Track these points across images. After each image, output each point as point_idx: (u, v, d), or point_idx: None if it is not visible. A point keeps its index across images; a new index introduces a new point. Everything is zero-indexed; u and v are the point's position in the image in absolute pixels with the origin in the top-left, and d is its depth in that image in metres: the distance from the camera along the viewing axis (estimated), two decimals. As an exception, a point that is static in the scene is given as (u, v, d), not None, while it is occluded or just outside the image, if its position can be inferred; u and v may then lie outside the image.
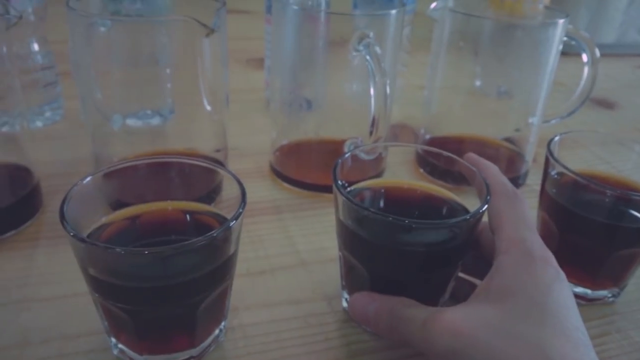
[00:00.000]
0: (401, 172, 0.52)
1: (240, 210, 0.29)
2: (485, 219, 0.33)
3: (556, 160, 0.38)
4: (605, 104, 0.79)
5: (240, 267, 0.40)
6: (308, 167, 0.51)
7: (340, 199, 0.32)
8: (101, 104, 0.46)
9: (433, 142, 0.56)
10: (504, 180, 0.34)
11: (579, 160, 0.42)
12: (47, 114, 0.60)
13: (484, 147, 0.55)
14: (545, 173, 0.39)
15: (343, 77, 0.48)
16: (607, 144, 0.44)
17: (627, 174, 0.41)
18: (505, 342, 0.25)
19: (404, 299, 0.30)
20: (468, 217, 0.31)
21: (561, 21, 0.47)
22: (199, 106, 0.46)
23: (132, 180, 0.34)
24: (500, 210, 0.32)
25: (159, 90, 0.48)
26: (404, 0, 0.57)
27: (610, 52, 0.99)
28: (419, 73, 0.68)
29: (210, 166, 0.33)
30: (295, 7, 0.46)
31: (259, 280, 0.39)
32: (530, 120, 0.53)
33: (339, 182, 0.33)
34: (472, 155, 0.36)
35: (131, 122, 0.48)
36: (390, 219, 0.30)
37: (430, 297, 0.34)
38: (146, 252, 0.27)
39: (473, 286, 0.34)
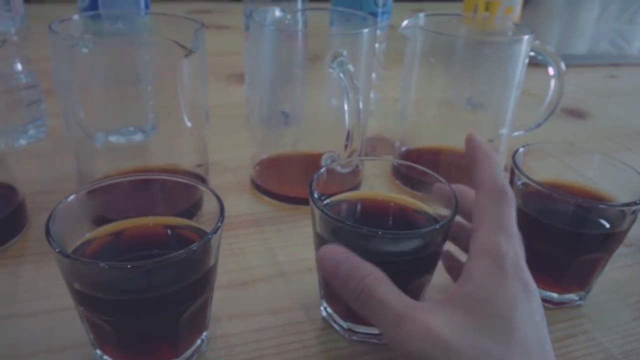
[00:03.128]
0: (378, 184, 0.54)
1: (219, 224, 0.30)
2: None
3: (520, 171, 0.40)
4: (577, 114, 0.81)
5: (222, 278, 0.41)
6: (287, 180, 0.53)
7: (316, 212, 0.34)
8: (84, 122, 0.47)
9: (409, 154, 0.58)
10: (497, 176, 0.33)
11: (547, 169, 0.45)
12: (31, 132, 0.61)
13: (458, 158, 0.57)
14: (511, 183, 0.41)
15: (320, 92, 0.50)
16: (574, 153, 0.46)
17: (594, 182, 0.43)
18: (474, 353, 0.26)
19: (378, 273, 0.30)
20: (438, 227, 0.33)
21: (526, 37, 0.49)
22: (180, 123, 0.47)
23: (115, 197, 0.35)
24: (483, 209, 0.31)
25: (140, 108, 0.49)
26: (377, 17, 0.59)
27: (582, 62, 1.03)
28: (396, 86, 0.70)
29: (190, 182, 0.35)
30: (272, 28, 0.47)
31: (240, 291, 0.40)
32: (500, 132, 0.55)
33: (315, 195, 0.34)
34: (474, 138, 0.35)
35: (114, 138, 0.49)
36: (364, 230, 0.31)
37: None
38: (129, 266, 0.28)
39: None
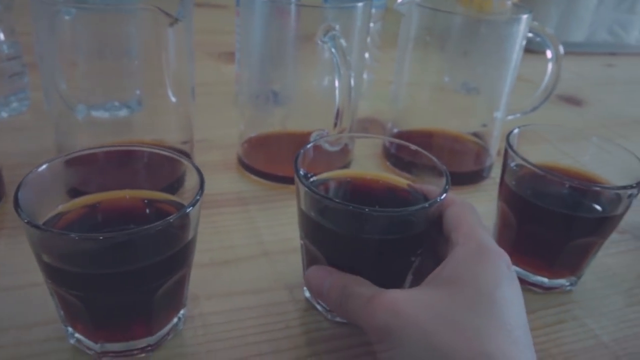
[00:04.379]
0: (368, 164, 0.53)
1: (197, 197, 0.29)
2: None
3: (514, 152, 0.38)
4: (574, 101, 0.80)
5: (203, 256, 0.40)
6: (274, 159, 0.51)
7: (302, 188, 0.32)
8: (65, 93, 0.46)
9: (400, 135, 0.56)
10: (460, 198, 0.34)
11: (541, 154, 0.43)
12: (14, 105, 0.59)
13: (449, 141, 0.56)
14: (505, 165, 0.40)
15: (310, 70, 0.48)
16: (568, 137, 0.44)
17: (590, 166, 0.42)
18: (444, 327, 0.25)
19: (359, 278, 0.31)
20: (427, 205, 0.32)
21: (525, 17, 0.48)
22: (164, 98, 0.46)
23: (92, 168, 0.34)
24: (458, 214, 0.32)
25: (125, 81, 0.47)
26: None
27: (580, 50, 1.01)
28: (390, 69, 0.68)
29: (171, 155, 0.33)
30: (263, 0, 0.46)
31: (222, 270, 0.39)
32: (494, 115, 0.54)
33: (301, 172, 0.33)
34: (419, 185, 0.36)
35: (98, 113, 0.48)
36: (350, 207, 0.30)
37: (389, 286, 0.34)
38: (100, 238, 0.27)
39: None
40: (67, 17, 0.42)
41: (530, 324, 0.37)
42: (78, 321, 0.30)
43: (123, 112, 0.50)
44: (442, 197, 0.32)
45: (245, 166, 0.51)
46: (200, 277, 0.38)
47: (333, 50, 0.42)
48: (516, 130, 0.40)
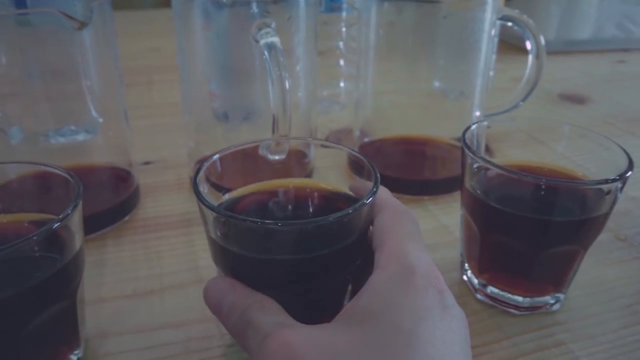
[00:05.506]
0: (330, 176, 0.48)
1: (68, 211, 0.25)
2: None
3: (471, 151, 0.33)
4: (576, 99, 0.74)
5: (126, 287, 0.36)
6: (225, 176, 0.47)
7: (205, 210, 0.27)
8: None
9: (371, 144, 0.51)
10: (396, 201, 0.29)
11: (514, 153, 0.38)
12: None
13: (424, 147, 0.50)
14: (463, 166, 0.34)
15: (251, 77, 0.44)
16: (543, 128, 0.39)
17: (568, 160, 0.36)
18: None
19: (266, 300, 0.25)
20: (350, 212, 0.26)
21: (490, 0, 0.43)
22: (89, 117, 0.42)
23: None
24: (386, 226, 0.27)
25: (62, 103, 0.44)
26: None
27: (587, 48, 0.95)
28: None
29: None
30: None
31: (142, 302, 0.34)
32: (473, 115, 0.48)
33: (200, 188, 0.28)
34: (358, 185, 0.31)
35: (53, 140, 0.45)
36: (258, 223, 0.25)
37: (319, 313, 0.29)
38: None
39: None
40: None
41: (502, 353, 0.32)
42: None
43: (81, 137, 0.47)
44: (367, 201, 0.26)
45: (195, 185, 0.47)
46: (116, 311, 0.33)
47: (265, 51, 0.38)
48: (474, 127, 0.35)
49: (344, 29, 0.62)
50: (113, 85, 0.42)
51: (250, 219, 0.25)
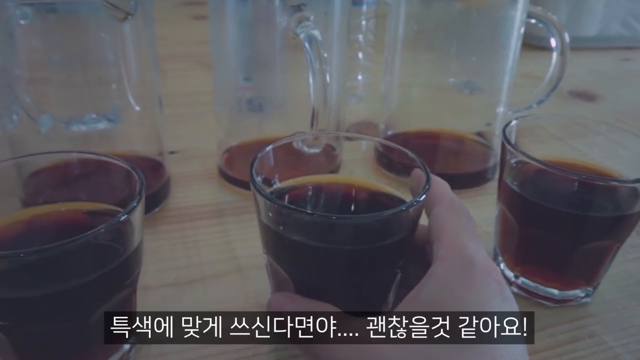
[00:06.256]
0: (357, 170, 0.48)
1: (134, 204, 0.25)
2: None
3: (512, 146, 0.34)
4: (586, 97, 0.75)
5: (168, 276, 0.36)
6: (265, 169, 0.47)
7: (258, 197, 0.28)
8: (28, 106, 0.42)
9: (394, 138, 0.52)
10: (453, 195, 0.29)
11: (545, 148, 0.39)
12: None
13: (447, 142, 0.51)
14: (503, 162, 0.35)
15: (288, 70, 0.44)
16: (576, 129, 0.40)
17: (600, 161, 0.37)
18: None
19: (325, 306, 0.26)
20: (404, 208, 0.27)
21: (521, 0, 0.43)
22: (127, 107, 0.42)
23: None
24: (443, 219, 0.27)
25: (95, 92, 0.44)
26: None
27: (593, 45, 0.96)
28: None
29: (111, 161, 0.29)
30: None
31: (186, 290, 0.35)
32: (497, 111, 0.49)
33: (258, 177, 0.29)
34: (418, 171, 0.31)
35: (75, 127, 0.45)
36: (311, 215, 0.26)
37: (366, 306, 0.30)
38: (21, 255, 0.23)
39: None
40: (22, 22, 0.39)
41: (539, 343, 0.33)
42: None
43: (102, 125, 0.47)
44: (420, 198, 0.27)
45: (225, 176, 0.47)
46: (161, 298, 0.34)
47: (306, 43, 0.38)
48: (514, 122, 0.36)
49: (363, 22, 0.63)
50: (149, 72, 0.42)
51: (317, 212, 0.26)
